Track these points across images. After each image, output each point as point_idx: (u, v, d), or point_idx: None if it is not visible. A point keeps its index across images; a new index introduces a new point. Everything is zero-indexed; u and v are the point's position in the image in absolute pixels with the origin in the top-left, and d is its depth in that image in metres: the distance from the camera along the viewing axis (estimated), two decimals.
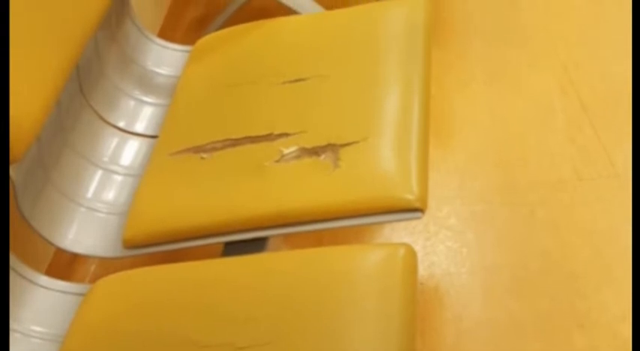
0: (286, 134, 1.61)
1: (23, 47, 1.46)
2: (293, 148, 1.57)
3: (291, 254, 1.51)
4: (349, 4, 1.98)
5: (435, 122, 2.43)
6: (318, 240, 2.07)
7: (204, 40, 2.02)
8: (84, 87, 1.78)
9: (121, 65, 1.92)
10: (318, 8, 2.04)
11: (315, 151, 1.55)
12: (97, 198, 1.70)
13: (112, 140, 1.83)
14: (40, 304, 1.52)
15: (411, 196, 1.43)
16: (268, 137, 1.62)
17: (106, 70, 1.88)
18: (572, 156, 2.27)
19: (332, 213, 1.46)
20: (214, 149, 1.64)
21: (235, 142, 1.63)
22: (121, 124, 1.86)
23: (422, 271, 2.03)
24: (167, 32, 2.88)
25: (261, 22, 1.99)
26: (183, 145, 1.68)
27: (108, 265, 1.98)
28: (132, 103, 1.91)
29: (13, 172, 1.43)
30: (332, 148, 1.54)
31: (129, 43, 1.96)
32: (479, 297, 1.95)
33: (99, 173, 1.74)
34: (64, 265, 2.06)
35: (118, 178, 1.76)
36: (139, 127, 1.88)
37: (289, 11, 2.01)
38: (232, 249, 1.51)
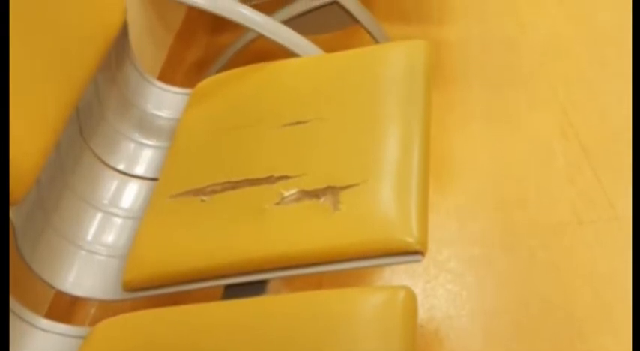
0: (286, 177, 1.61)
1: (23, 89, 1.46)
2: (293, 191, 1.57)
3: (292, 297, 1.50)
4: (349, 47, 1.98)
5: (435, 164, 2.44)
6: (319, 282, 2.07)
7: (204, 83, 2.03)
8: (84, 130, 1.78)
9: (121, 108, 1.93)
10: (318, 51, 2.04)
11: (315, 194, 1.55)
12: (97, 241, 1.70)
13: (112, 183, 1.83)
14: (40, 348, 1.51)
15: (411, 239, 1.43)
16: (268, 180, 1.62)
17: (106, 113, 1.88)
18: (572, 198, 2.27)
19: (332, 255, 1.46)
20: (214, 192, 1.64)
21: (235, 185, 1.63)
22: (121, 167, 1.86)
23: (422, 313, 2.02)
24: (167, 75, 2.89)
25: (260, 64, 1.99)
26: (183, 187, 1.69)
27: (108, 308, 1.97)
28: (132, 145, 1.92)
29: (13, 214, 1.43)
30: (332, 190, 1.54)
31: (129, 86, 1.97)
32: (479, 340, 1.95)
33: (99, 216, 1.74)
34: (64, 307, 2.05)
35: (118, 220, 1.76)
36: (139, 169, 1.88)
37: (289, 54, 2.01)
38: (232, 291, 1.50)
